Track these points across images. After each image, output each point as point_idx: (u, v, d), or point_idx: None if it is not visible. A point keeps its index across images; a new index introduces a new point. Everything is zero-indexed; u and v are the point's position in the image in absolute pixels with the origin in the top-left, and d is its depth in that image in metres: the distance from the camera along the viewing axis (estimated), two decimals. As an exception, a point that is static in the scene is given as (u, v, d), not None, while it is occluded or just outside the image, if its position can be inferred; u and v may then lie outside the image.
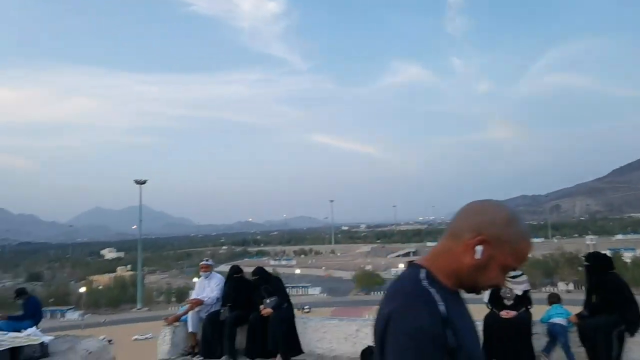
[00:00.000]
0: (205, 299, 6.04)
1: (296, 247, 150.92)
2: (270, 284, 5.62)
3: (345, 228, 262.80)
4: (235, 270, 6.05)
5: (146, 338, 48.37)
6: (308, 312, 59.55)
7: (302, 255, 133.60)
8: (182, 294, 78.46)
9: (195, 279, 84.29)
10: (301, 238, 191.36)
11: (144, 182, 78.06)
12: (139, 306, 74.21)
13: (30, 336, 5.82)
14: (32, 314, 7.21)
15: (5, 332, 6.31)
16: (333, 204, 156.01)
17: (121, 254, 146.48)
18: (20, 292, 7.61)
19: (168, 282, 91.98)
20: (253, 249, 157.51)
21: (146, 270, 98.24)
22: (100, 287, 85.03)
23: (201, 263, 6.43)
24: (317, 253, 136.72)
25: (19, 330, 6.50)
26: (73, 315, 68.18)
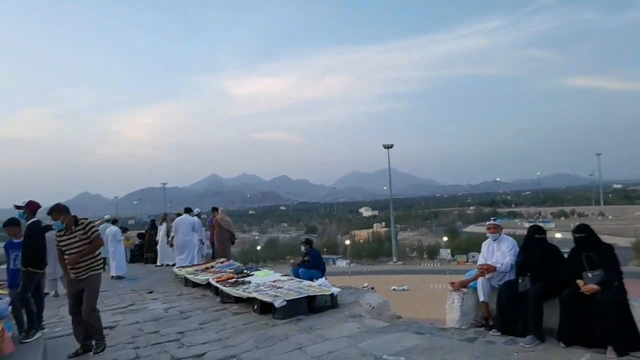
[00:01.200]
0: (498, 265, 5.36)
1: (554, 209, 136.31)
2: (595, 250, 4.49)
3: (618, 186, 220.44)
4: (537, 230, 5.16)
5: (403, 289, 54.19)
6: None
7: (562, 218, 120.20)
8: (432, 252, 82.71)
9: (444, 238, 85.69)
10: (559, 198, 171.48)
11: (391, 147, 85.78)
12: (394, 259, 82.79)
13: (322, 286, 6.75)
14: (316, 263, 8.36)
15: (302, 280, 7.55)
16: (600, 158, 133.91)
17: (376, 212, 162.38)
18: (308, 242, 8.93)
19: (419, 240, 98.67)
20: (503, 210, 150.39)
21: (398, 227, 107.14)
22: (361, 241, 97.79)
23: (488, 223, 5.74)
24: (581, 215, 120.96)
25: (310, 278, 7.74)
26: (341, 263, 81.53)
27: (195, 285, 9.08)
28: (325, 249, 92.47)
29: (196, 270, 9.74)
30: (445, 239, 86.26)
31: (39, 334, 5.06)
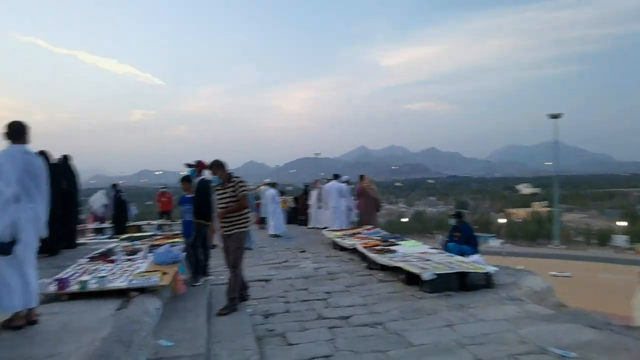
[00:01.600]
0: None
1: None
2: None
3: None
4: None
5: (565, 276, 48.69)
6: None
7: None
8: (603, 237, 72.43)
9: (620, 222, 74.34)
10: None
11: (558, 116, 75.25)
12: (555, 242, 74.42)
13: (475, 263, 6.21)
14: (468, 238, 7.79)
15: (452, 255, 7.03)
16: None
17: (536, 190, 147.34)
18: (458, 215, 8.27)
19: (586, 223, 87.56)
20: None
21: (563, 207, 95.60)
22: (518, 220, 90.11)
23: None
24: None
25: (461, 254, 7.17)
26: (494, 243, 76.28)
27: (342, 249, 9.30)
28: (476, 227, 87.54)
29: (344, 235, 9.96)
30: (621, 223, 74.25)
31: (203, 280, 5.69)
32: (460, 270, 5.85)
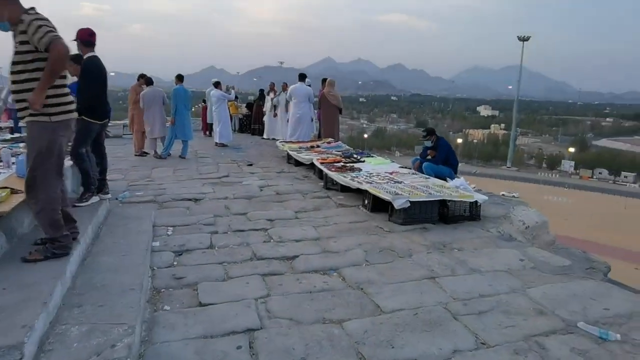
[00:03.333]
0: None
1: None
2: None
3: None
4: None
5: (513, 196, 50.71)
6: None
7: None
8: (553, 162, 75.53)
9: (570, 149, 77.73)
10: None
11: (527, 39, 73.56)
12: (508, 165, 77.07)
13: (460, 190, 4.93)
14: (446, 157, 6.43)
15: (429, 177, 5.81)
16: None
17: (496, 113, 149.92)
18: (431, 132, 6.69)
19: (540, 147, 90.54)
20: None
21: (519, 131, 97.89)
22: (475, 141, 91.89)
23: None
24: None
25: (441, 177, 5.92)
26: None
27: (298, 164, 7.87)
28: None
29: (300, 148, 8.48)
30: (571, 150, 77.18)
31: (95, 199, 4.11)
32: (443, 199, 4.56)
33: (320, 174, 6.58)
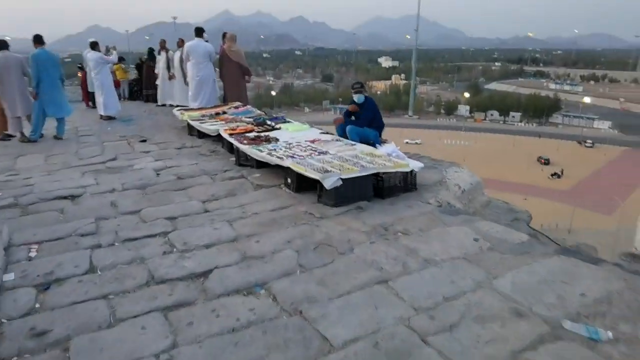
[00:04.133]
0: None
1: (585, 71, 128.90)
2: None
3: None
4: None
5: (415, 143, 53.60)
6: (590, 146, 53.65)
7: (592, 82, 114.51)
8: (451, 107, 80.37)
9: (465, 94, 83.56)
10: (593, 61, 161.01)
11: (425, -15, 76.00)
12: (410, 113, 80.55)
13: (392, 158, 4.31)
14: (372, 118, 5.57)
15: (355, 143, 5.05)
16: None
17: (396, 63, 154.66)
18: (360, 86, 5.61)
19: (438, 94, 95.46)
20: (530, 69, 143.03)
21: (418, 80, 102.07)
22: (378, 92, 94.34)
23: None
24: (613, 81, 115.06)
25: (367, 141, 5.24)
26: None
27: (202, 135, 6.83)
28: (340, 99, 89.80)
29: (203, 116, 7.38)
30: (466, 95, 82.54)
31: None
32: (378, 171, 3.95)
33: (231, 147, 5.66)
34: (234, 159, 5.45)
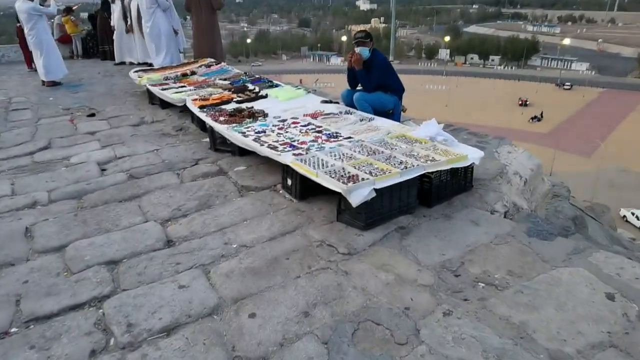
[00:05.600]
0: None
1: (562, 12, 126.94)
2: None
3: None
4: None
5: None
6: (569, 89, 53.21)
7: (569, 23, 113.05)
8: (431, 52, 78.21)
9: (446, 38, 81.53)
10: (570, 1, 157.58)
11: None
12: (391, 58, 77.92)
13: (439, 144, 3.04)
14: (382, 81, 4.07)
15: (372, 117, 3.84)
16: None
17: (374, 6, 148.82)
18: (367, 36, 4.08)
19: (418, 38, 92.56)
20: (508, 11, 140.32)
21: (398, 24, 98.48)
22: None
23: None
24: (590, 21, 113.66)
25: (381, 111, 3.99)
26: (336, 61, 77.24)
27: (166, 104, 5.36)
28: (319, 45, 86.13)
29: (166, 79, 5.85)
30: (446, 38, 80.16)
31: None
32: (426, 172, 2.66)
33: (203, 124, 4.27)
34: (207, 140, 4.08)
